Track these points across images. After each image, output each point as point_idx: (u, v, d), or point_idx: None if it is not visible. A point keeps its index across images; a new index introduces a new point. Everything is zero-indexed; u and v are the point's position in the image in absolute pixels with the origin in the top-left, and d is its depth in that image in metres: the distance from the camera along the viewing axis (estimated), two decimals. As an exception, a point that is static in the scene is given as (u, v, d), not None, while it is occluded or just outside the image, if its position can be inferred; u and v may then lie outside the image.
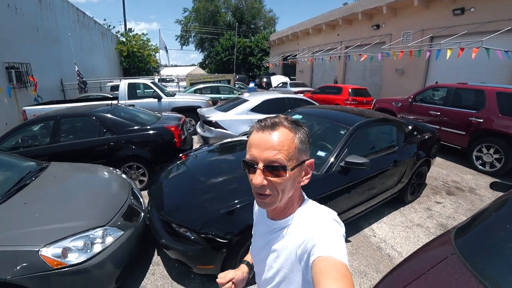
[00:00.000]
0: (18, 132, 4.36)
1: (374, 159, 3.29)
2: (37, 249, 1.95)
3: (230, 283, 0.99)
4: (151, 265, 2.84)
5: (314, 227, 0.78)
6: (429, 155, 4.45)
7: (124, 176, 3.37)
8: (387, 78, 14.37)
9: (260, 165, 0.77)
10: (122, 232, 2.36)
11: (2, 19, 8.60)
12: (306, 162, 0.83)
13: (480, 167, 6.08)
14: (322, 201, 2.69)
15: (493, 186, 2.79)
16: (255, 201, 1.00)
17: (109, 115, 4.48)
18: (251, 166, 0.79)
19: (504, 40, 9.08)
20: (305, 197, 0.92)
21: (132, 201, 2.82)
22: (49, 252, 1.96)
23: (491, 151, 5.93)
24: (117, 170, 3.54)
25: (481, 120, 6.13)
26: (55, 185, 2.85)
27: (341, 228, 0.80)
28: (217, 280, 0.99)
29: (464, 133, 6.45)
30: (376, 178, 3.42)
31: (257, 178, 0.76)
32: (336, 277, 0.64)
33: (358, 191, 3.21)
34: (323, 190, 2.79)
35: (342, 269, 0.66)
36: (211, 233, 2.21)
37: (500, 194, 3.15)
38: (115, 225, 2.36)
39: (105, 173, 3.28)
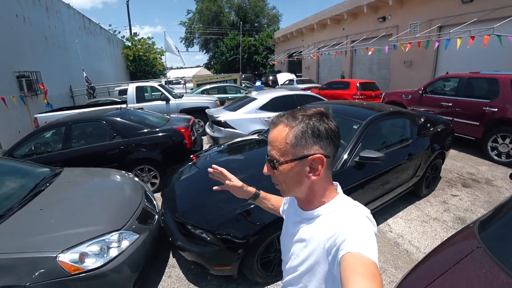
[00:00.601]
0: (31, 140, 4.42)
1: (388, 153, 3.22)
2: (54, 255, 1.96)
3: (228, 177, 1.18)
4: (166, 267, 2.83)
5: (345, 222, 0.77)
6: (443, 147, 4.35)
7: (136, 179, 3.38)
8: (395, 71, 14.14)
9: (267, 158, 0.87)
10: (138, 236, 2.35)
11: (11, 29, 8.77)
12: (310, 157, 0.79)
13: (496, 157, 5.92)
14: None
15: None
16: None
17: (119, 119, 4.51)
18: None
19: (517, 26, 8.81)
20: (339, 191, 0.91)
21: (146, 204, 2.82)
22: (66, 257, 1.97)
23: (507, 141, 5.76)
24: (129, 173, 3.55)
25: (496, 110, 5.95)
26: (70, 191, 2.87)
27: (373, 226, 0.78)
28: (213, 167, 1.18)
29: (478, 123, 6.27)
30: (391, 173, 3.35)
31: (264, 168, 0.89)
32: (365, 275, 0.62)
33: (374, 186, 3.15)
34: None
35: (372, 267, 0.64)
36: (228, 234, 2.18)
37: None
38: (130, 228, 2.36)
39: (118, 176, 3.30)
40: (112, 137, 4.37)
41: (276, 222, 2.19)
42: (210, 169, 1.17)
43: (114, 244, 2.18)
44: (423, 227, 3.52)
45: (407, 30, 12.80)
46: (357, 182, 2.88)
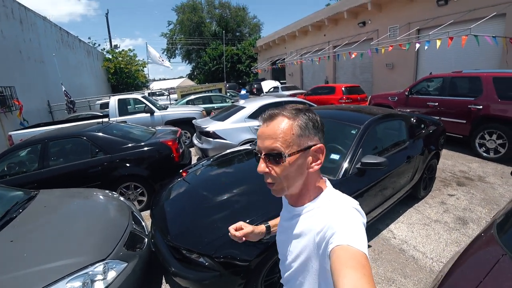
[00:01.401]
0: (4, 159, 4.06)
1: (388, 157, 3.10)
2: (27, 298, 1.68)
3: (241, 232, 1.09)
4: (160, 295, 2.57)
5: (334, 215, 0.77)
6: (437, 147, 4.33)
7: (122, 198, 3.09)
8: (378, 74, 14.39)
9: (262, 155, 0.82)
10: (126, 264, 2.08)
11: (-19, 44, 8.31)
12: (313, 147, 0.82)
13: (485, 154, 6.03)
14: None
15: None
16: None
17: (100, 134, 4.22)
18: (256, 156, 0.85)
19: (491, 26, 9.14)
20: (328, 184, 0.91)
21: (134, 226, 2.54)
22: (42, 299, 1.69)
23: (494, 137, 5.89)
24: (114, 192, 3.26)
25: (481, 107, 6.08)
26: (46, 217, 2.55)
27: (361, 217, 0.79)
28: (231, 233, 1.09)
29: (464, 121, 6.40)
30: (393, 177, 3.26)
31: (259, 166, 0.82)
32: (355, 266, 0.62)
33: (377, 192, 3.01)
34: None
35: (361, 259, 0.65)
36: (228, 257, 1.95)
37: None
38: (117, 256, 2.08)
39: (101, 197, 2.99)
40: (93, 154, 4.07)
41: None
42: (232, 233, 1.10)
43: (99, 277, 1.90)
44: (426, 231, 3.44)
45: (387, 34, 13.10)
46: (361, 189, 2.73)
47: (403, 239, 3.28)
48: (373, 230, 3.46)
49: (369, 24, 14.58)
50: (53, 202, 2.85)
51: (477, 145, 6.21)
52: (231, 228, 1.09)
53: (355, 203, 0.84)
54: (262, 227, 1.16)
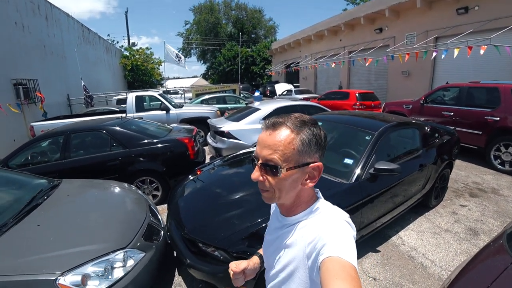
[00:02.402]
0: (28, 149, 4.26)
1: (401, 164, 3.13)
2: (54, 278, 1.79)
3: (242, 272, 1.01)
4: (172, 286, 2.66)
5: (324, 227, 0.77)
6: (451, 157, 4.31)
7: (140, 192, 3.23)
8: (393, 81, 14.25)
9: (259, 162, 0.79)
10: (144, 254, 2.19)
11: (10, 37, 8.67)
12: (311, 165, 0.79)
13: (500, 166, 5.93)
14: (353, 211, 2.56)
15: None
16: None
17: (120, 129, 4.37)
18: (253, 161, 0.83)
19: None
20: (319, 196, 0.90)
21: (151, 219, 2.66)
22: (67, 280, 1.80)
23: (510, 149, 5.78)
24: (132, 185, 3.40)
25: (498, 119, 5.99)
26: (69, 205, 2.70)
27: (352, 230, 0.79)
28: (232, 268, 1.00)
29: (480, 132, 6.31)
30: (404, 184, 3.28)
31: (254, 173, 0.81)
32: (345, 278, 0.63)
33: (388, 198, 3.05)
34: (354, 199, 2.62)
35: (351, 271, 0.65)
36: (243, 252, 2.03)
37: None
38: (135, 246, 2.19)
39: (121, 189, 3.13)
40: (112, 147, 4.23)
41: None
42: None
43: (119, 264, 2.01)
44: (435, 239, 3.44)
45: (404, 41, 12.96)
46: (373, 194, 2.77)
47: (413, 246, 3.30)
48: (382, 236, 3.48)
49: (386, 31, 14.46)
50: (75, 191, 3.00)
51: (492, 157, 6.11)
52: (232, 264, 1.02)
53: (346, 215, 0.83)
54: (255, 259, 1.10)
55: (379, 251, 3.19)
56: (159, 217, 2.92)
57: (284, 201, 0.84)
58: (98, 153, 4.22)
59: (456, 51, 8.85)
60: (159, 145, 4.35)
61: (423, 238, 3.46)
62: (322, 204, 0.87)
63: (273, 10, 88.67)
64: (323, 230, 0.76)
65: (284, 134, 0.77)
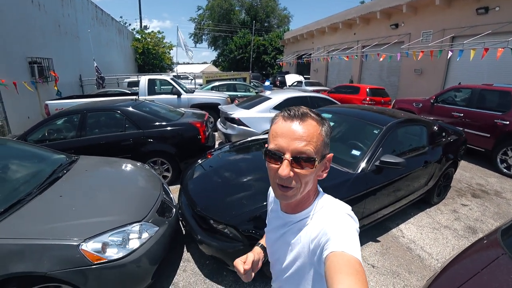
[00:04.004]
0: (45, 126, 4.42)
1: (406, 159, 3.22)
2: (77, 244, 1.94)
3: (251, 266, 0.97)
4: (181, 261, 2.83)
5: (328, 222, 0.77)
6: (456, 157, 4.36)
7: (153, 171, 3.38)
8: (405, 79, 14.09)
9: (287, 156, 0.74)
10: (157, 228, 2.34)
11: (26, 15, 8.77)
12: (327, 156, 0.82)
13: (505, 170, 5.96)
14: (356, 200, 2.68)
15: None
16: (270, 189, 1.06)
17: (134, 110, 4.50)
18: (276, 156, 0.76)
19: (532, 40, 8.76)
20: (320, 190, 0.91)
21: (164, 196, 2.81)
22: (89, 246, 1.95)
23: (517, 154, 5.79)
24: (145, 164, 3.55)
25: (507, 123, 5.98)
26: (88, 179, 2.86)
27: (355, 223, 0.79)
28: (240, 267, 0.91)
29: (488, 135, 6.30)
30: (408, 179, 3.37)
31: (284, 170, 0.74)
32: (349, 272, 0.63)
33: (390, 191, 3.15)
34: (358, 190, 2.73)
35: (355, 265, 0.66)
36: (252, 230, 2.17)
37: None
38: (150, 220, 2.34)
39: (135, 167, 3.28)
40: (127, 128, 4.38)
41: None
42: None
43: (135, 236, 2.16)
44: (434, 234, 3.55)
45: (420, 39, 12.76)
46: (376, 186, 2.88)
47: (412, 239, 3.41)
48: (383, 227, 3.60)
49: (402, 27, 14.22)
50: (93, 167, 3.16)
51: (498, 160, 6.12)
52: (238, 262, 0.94)
53: (348, 208, 0.83)
54: (258, 250, 1.08)
55: (379, 241, 3.31)
56: (171, 195, 3.08)
57: (300, 196, 0.82)
58: (112, 133, 4.37)
59: (472, 53, 8.72)
60: (172, 128, 4.48)
61: (422, 232, 3.57)
62: (324, 198, 0.88)
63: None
64: (327, 225, 0.76)
65: (313, 125, 0.76)
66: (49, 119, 4.54)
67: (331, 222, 0.76)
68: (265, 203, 2.30)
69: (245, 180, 2.70)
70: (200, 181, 2.97)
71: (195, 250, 2.92)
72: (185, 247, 3.02)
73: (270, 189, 1.06)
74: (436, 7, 11.91)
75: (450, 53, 9.94)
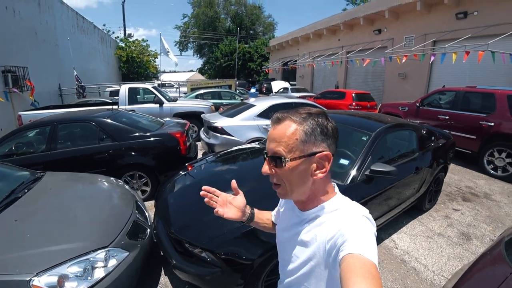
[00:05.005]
0: (12, 139, 4.08)
1: (397, 167, 3.07)
2: (28, 278, 1.67)
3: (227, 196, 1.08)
4: (158, 286, 2.56)
5: (345, 223, 0.76)
6: (446, 161, 4.28)
7: (127, 187, 3.09)
8: (390, 83, 14.27)
9: (267, 156, 0.83)
10: (127, 253, 2.07)
11: (-1, 22, 8.40)
12: (318, 154, 0.79)
13: (492, 171, 5.99)
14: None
15: None
16: None
17: (110, 121, 4.23)
18: (265, 157, 0.85)
19: (509, 44, 8.97)
20: (337, 191, 0.90)
21: (137, 216, 2.53)
22: (42, 281, 1.68)
23: (503, 155, 5.83)
24: (119, 180, 3.27)
25: (492, 124, 6.03)
26: (51, 199, 2.56)
27: (372, 227, 0.78)
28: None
29: (474, 137, 6.35)
30: (400, 187, 3.22)
31: (264, 167, 0.84)
32: (365, 276, 0.62)
33: (382, 201, 2.98)
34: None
35: (372, 269, 0.64)
36: (231, 254, 1.93)
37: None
38: (119, 245, 2.08)
39: (106, 184, 3.00)
40: (101, 140, 4.09)
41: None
42: (203, 192, 1.06)
43: (100, 264, 1.90)
44: (428, 243, 3.42)
45: (402, 43, 12.95)
46: (368, 196, 2.70)
47: (405, 250, 3.26)
48: (376, 238, 3.44)
49: (385, 32, 14.44)
50: (58, 185, 2.86)
51: (485, 162, 6.16)
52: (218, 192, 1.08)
53: (366, 211, 0.82)
54: (248, 209, 1.16)
55: (372, 255, 3.14)
56: (146, 214, 2.79)
57: (299, 197, 0.85)
58: (86, 145, 4.07)
59: (453, 56, 8.86)
60: (150, 139, 4.22)
61: (416, 242, 3.43)
62: (341, 199, 0.87)
63: (272, 7, 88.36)
64: (344, 226, 0.75)
65: (287, 126, 0.80)
66: (15, 131, 4.20)
67: (348, 224, 0.76)
68: None
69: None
70: (176, 197, 2.70)
71: (173, 274, 2.64)
72: (162, 270, 2.74)
73: None
74: (417, 12, 12.15)
75: (432, 57, 10.08)
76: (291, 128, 0.79)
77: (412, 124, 4.18)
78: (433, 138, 4.24)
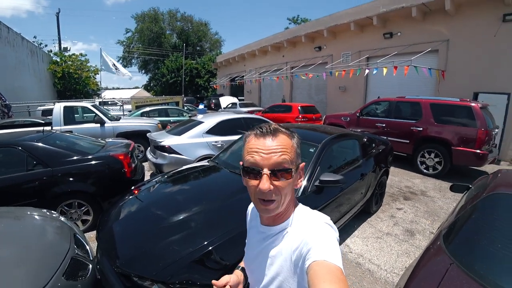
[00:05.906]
0: None
1: (344, 175, 3.23)
2: None
3: (228, 286, 0.94)
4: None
5: (308, 232, 0.78)
6: (387, 165, 4.64)
7: (62, 219, 2.71)
8: (332, 95, 15.26)
9: (266, 170, 0.78)
10: (64, 297, 1.80)
11: None
12: (300, 165, 0.86)
13: (425, 170, 6.72)
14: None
15: (452, 188, 2.93)
16: (249, 207, 1.10)
17: (40, 144, 3.76)
18: (255, 172, 0.79)
19: (427, 59, 10.34)
20: (297, 201, 0.93)
21: (76, 251, 2.21)
22: None
23: (432, 155, 6.58)
24: (53, 211, 2.86)
25: (421, 129, 6.79)
26: (-36, 241, 2.14)
27: (334, 232, 0.81)
28: (213, 282, 0.94)
29: (408, 141, 7.07)
30: (348, 193, 3.38)
31: (265, 184, 0.77)
32: (332, 280, 0.64)
33: (334, 208, 3.09)
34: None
35: (338, 273, 0.67)
36: (186, 283, 1.78)
37: (459, 195, 3.39)
38: (53, 288, 1.79)
39: (37, 217, 2.59)
40: (31, 167, 3.59)
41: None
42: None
43: (29, 314, 1.61)
44: (379, 244, 3.63)
45: (341, 59, 14.05)
46: (320, 206, 2.77)
47: (359, 253, 3.41)
48: (330, 246, 3.53)
49: (325, 49, 15.52)
50: (-25, 223, 2.40)
51: (418, 162, 6.88)
52: (214, 281, 0.95)
53: (326, 218, 0.85)
54: (238, 272, 1.07)
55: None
56: (87, 247, 2.47)
57: (282, 209, 0.84)
58: (10, 174, 3.53)
59: (384, 70, 9.88)
60: (90, 163, 3.84)
61: (368, 244, 3.61)
62: (301, 208, 0.90)
63: (219, 24, 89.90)
64: (307, 235, 0.77)
65: (286, 138, 0.82)
66: None
67: (311, 232, 0.77)
68: (206, 243, 1.98)
69: (179, 218, 2.29)
70: (121, 225, 2.45)
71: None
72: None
73: (249, 207, 1.10)
74: (351, 32, 13.34)
75: (367, 71, 11.10)
76: (289, 141, 0.83)
77: (354, 133, 4.47)
78: (373, 145, 4.59)
